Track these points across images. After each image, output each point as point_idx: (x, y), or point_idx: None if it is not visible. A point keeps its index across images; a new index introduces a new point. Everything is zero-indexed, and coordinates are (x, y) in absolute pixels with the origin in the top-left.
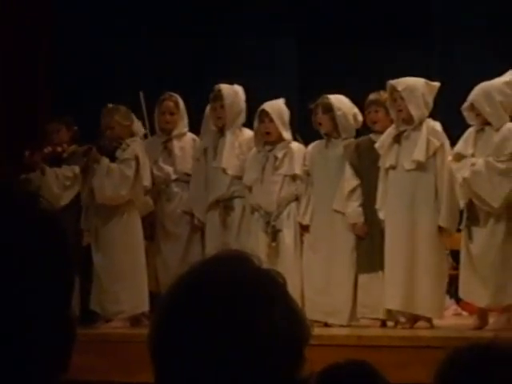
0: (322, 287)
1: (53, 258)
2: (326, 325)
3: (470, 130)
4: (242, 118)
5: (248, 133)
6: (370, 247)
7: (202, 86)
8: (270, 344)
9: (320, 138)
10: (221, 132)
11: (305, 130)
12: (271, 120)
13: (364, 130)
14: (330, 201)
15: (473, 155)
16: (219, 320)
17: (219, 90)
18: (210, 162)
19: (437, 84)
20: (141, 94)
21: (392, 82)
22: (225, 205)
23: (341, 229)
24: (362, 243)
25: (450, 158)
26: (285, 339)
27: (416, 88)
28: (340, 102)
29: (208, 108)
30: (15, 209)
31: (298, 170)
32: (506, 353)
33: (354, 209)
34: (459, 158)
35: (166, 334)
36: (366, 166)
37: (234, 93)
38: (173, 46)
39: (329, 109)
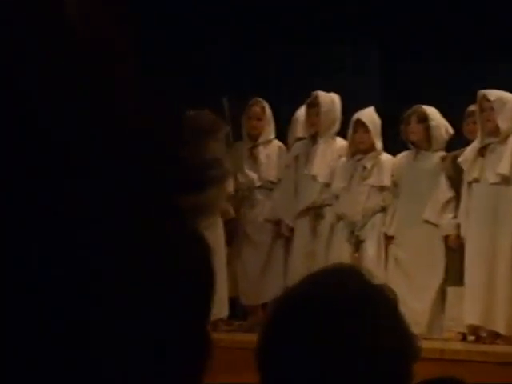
0: (404, 297)
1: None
2: None
3: None
4: (337, 126)
5: (340, 142)
6: (460, 261)
7: (284, 94)
8: (374, 358)
9: (403, 149)
10: (313, 139)
11: (386, 141)
12: (366, 130)
13: (460, 140)
14: (418, 213)
15: None
16: (325, 332)
17: (316, 97)
18: (301, 169)
19: None
20: (224, 100)
21: (484, 91)
22: (315, 212)
23: (429, 240)
24: (453, 256)
25: None
26: (391, 354)
27: (508, 101)
28: (433, 113)
29: (297, 114)
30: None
31: (386, 182)
32: None
33: (448, 221)
34: None
35: (273, 343)
36: (461, 179)
37: (330, 101)
38: (258, 52)
39: (424, 118)
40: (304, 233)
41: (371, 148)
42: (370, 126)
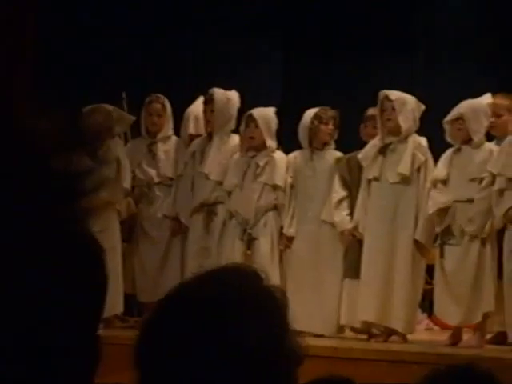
0: (311, 298)
1: (83, 268)
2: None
3: (447, 153)
4: (232, 124)
5: (236, 139)
6: (354, 255)
7: (186, 89)
8: (257, 359)
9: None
10: (209, 137)
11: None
12: (257, 126)
13: (356, 141)
14: (315, 211)
15: (447, 176)
16: (208, 333)
17: (211, 95)
18: (196, 166)
19: (423, 106)
20: (123, 94)
21: (385, 91)
22: (208, 210)
23: (328, 240)
24: (348, 252)
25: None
26: (274, 356)
27: (408, 101)
28: None
29: (188, 110)
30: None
31: (278, 180)
32: (485, 375)
33: (342, 217)
34: (435, 183)
35: (153, 341)
36: (356, 180)
37: (225, 99)
38: (158, 45)
39: (335, 122)
40: (197, 230)
41: (263, 146)
42: (260, 122)
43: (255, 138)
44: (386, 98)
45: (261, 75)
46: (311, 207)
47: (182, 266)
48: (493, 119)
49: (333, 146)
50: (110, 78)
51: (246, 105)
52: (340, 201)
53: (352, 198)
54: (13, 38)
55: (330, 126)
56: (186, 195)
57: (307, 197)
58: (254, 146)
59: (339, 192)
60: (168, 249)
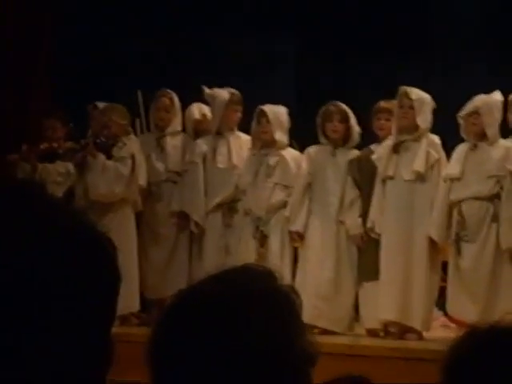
0: (328, 295)
1: (98, 282)
2: (325, 332)
3: (459, 149)
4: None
5: (244, 137)
6: (370, 257)
7: (197, 87)
8: (269, 358)
9: (314, 143)
10: (218, 135)
11: (301, 135)
12: (268, 121)
13: (367, 136)
14: (333, 210)
15: (461, 172)
16: (218, 331)
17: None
18: (210, 164)
19: (434, 105)
20: (139, 93)
21: (406, 88)
22: (229, 207)
23: (345, 238)
24: (364, 253)
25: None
26: (287, 356)
27: (427, 102)
28: (350, 112)
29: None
30: (60, 230)
31: (288, 181)
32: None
33: (353, 220)
34: (447, 180)
35: (165, 340)
36: (366, 177)
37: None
38: (171, 44)
39: (345, 118)
40: (216, 227)
41: (274, 140)
42: (271, 117)
43: (267, 133)
44: (406, 95)
45: (274, 75)
46: (328, 203)
47: (189, 262)
48: None
49: (353, 142)
50: (125, 77)
51: (260, 104)
52: (352, 202)
53: (363, 196)
54: (31, 36)
55: (335, 123)
56: (198, 196)
57: (326, 192)
58: (266, 142)
59: (351, 193)
60: (175, 245)
